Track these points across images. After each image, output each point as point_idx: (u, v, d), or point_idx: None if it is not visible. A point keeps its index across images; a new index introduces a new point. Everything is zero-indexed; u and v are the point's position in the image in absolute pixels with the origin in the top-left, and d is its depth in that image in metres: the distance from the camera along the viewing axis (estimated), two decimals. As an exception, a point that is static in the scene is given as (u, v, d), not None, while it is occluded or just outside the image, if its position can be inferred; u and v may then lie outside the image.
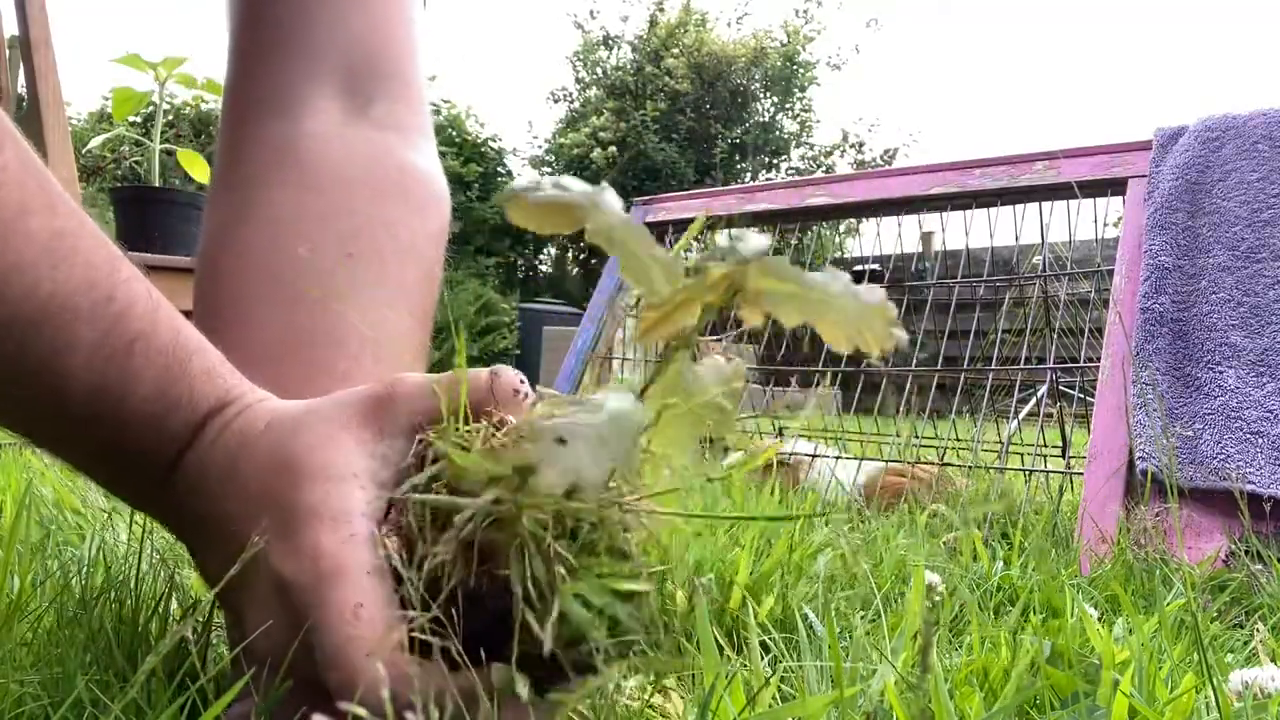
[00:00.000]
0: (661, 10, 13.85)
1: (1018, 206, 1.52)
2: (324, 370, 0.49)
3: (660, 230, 1.95)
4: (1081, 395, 1.88)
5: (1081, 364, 1.69)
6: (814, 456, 1.57)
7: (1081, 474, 1.22)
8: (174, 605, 0.54)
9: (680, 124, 12.99)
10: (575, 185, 0.33)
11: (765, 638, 0.62)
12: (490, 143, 12.74)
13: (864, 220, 1.89)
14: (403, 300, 0.53)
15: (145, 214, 1.54)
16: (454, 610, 0.35)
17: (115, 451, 0.41)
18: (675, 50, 13.31)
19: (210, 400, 0.41)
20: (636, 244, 0.33)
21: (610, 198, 0.33)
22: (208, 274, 0.54)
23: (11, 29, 1.30)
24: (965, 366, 1.68)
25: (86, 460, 0.44)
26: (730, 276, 0.31)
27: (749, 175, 13.35)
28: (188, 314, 0.55)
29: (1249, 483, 1.03)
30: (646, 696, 0.50)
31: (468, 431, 0.37)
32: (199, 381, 0.41)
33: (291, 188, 0.54)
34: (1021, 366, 1.83)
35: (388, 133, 0.57)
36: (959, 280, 1.64)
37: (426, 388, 0.39)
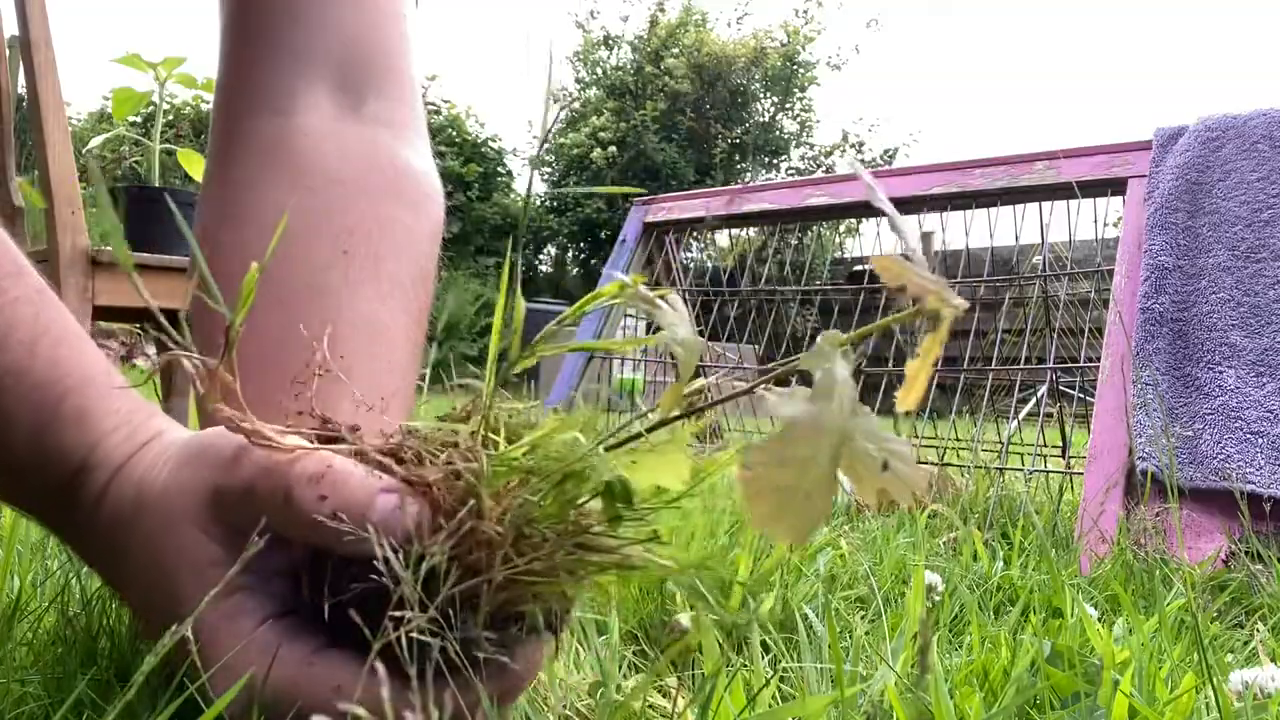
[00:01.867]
0: (662, 10, 13.86)
1: (1018, 206, 1.52)
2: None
3: (660, 230, 1.95)
4: (1081, 395, 1.88)
5: (1081, 364, 1.69)
6: None
7: (1081, 474, 1.22)
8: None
9: (680, 124, 13.00)
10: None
11: (765, 638, 0.62)
12: (490, 143, 12.75)
13: (864, 220, 1.89)
14: (397, 297, 0.53)
15: (145, 214, 1.54)
16: (450, 611, 0.34)
17: (15, 489, 0.39)
18: (675, 50, 13.31)
19: (78, 455, 0.37)
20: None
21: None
22: (200, 275, 0.54)
23: (11, 29, 1.30)
24: (965, 366, 1.68)
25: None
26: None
27: (749, 175, 13.35)
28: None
29: (1249, 483, 1.03)
30: (647, 696, 0.50)
31: None
32: (69, 430, 0.37)
33: (285, 186, 0.54)
34: (1021, 366, 1.83)
35: (381, 130, 0.57)
36: (959, 280, 1.64)
37: (268, 483, 0.33)
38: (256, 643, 0.34)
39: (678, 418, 0.34)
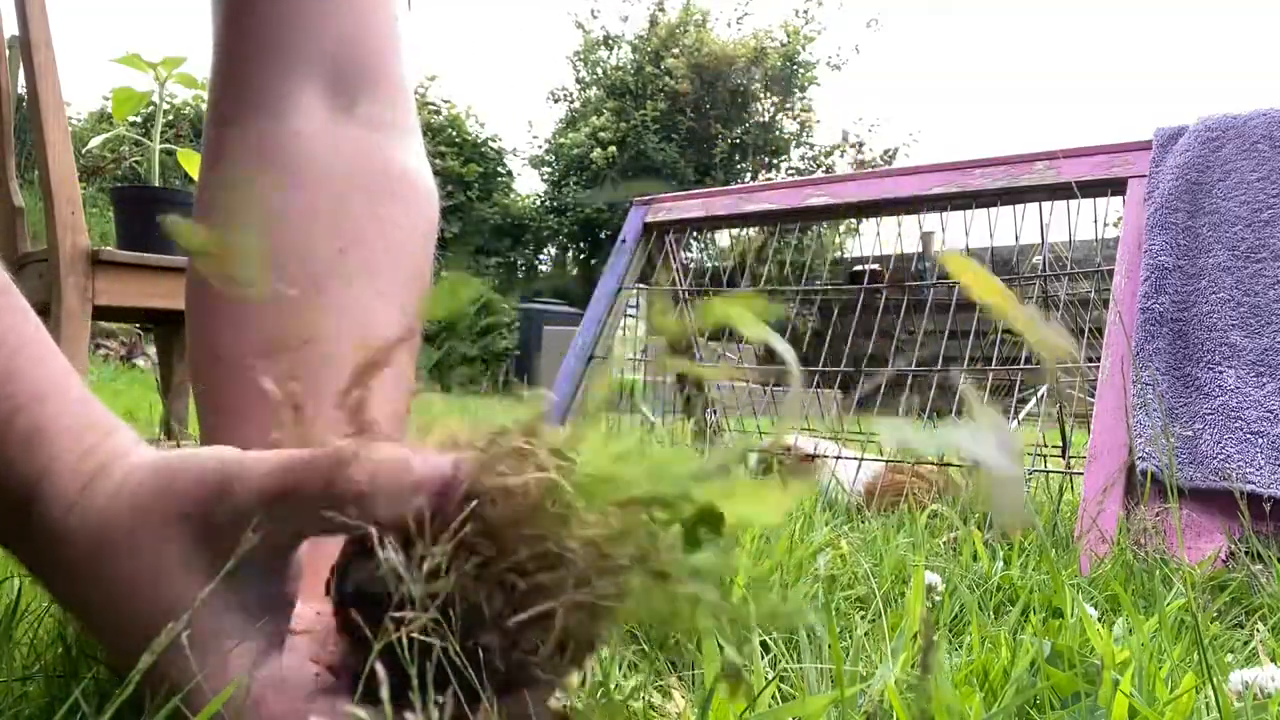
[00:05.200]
0: (661, 10, 13.87)
1: (1018, 206, 1.52)
2: (316, 364, 0.49)
3: (660, 230, 1.95)
4: (1081, 395, 1.88)
5: (1082, 364, 1.69)
6: (837, 457, 1.56)
7: (1081, 474, 1.22)
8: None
9: (680, 124, 13.00)
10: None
11: (765, 638, 0.62)
12: (490, 143, 12.75)
13: (864, 220, 1.89)
14: (393, 296, 0.53)
15: (145, 214, 1.54)
16: (450, 611, 0.34)
17: None
18: (675, 50, 13.32)
19: (26, 483, 0.34)
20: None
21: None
22: (198, 274, 0.54)
23: (11, 29, 1.30)
24: (965, 367, 1.68)
25: None
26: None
27: (749, 175, 13.36)
28: (182, 314, 0.55)
29: (1249, 483, 1.03)
30: (647, 696, 0.50)
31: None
32: (17, 451, 0.34)
33: (279, 187, 0.54)
34: (1022, 366, 1.83)
35: (374, 132, 0.57)
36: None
37: (272, 481, 0.32)
38: (246, 692, 0.32)
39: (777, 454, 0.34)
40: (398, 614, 0.31)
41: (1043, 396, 1.78)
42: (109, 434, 0.37)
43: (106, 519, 0.34)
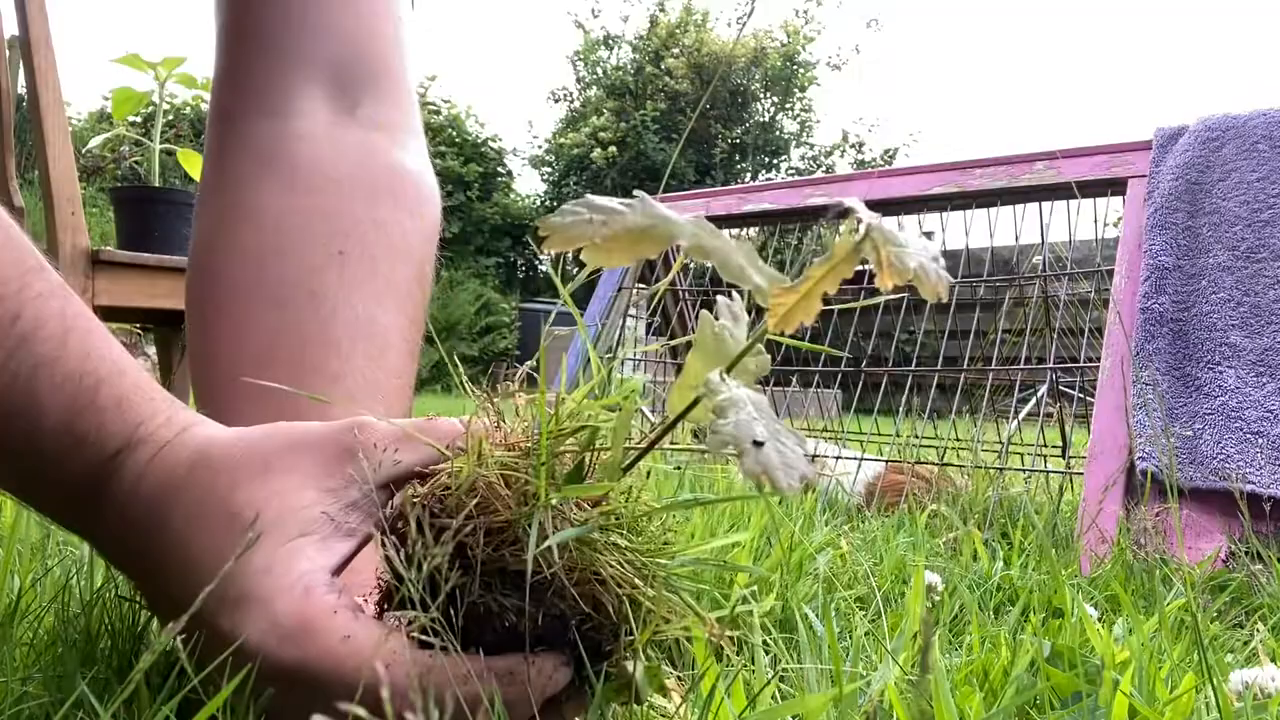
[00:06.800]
0: (662, 10, 13.87)
1: (1018, 206, 1.52)
2: (315, 370, 0.49)
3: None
4: (1081, 395, 1.88)
5: (1081, 364, 1.69)
6: (837, 458, 1.56)
7: (1081, 474, 1.22)
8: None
9: (680, 124, 13.00)
10: (614, 203, 0.32)
11: (765, 638, 0.62)
12: (490, 143, 12.76)
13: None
14: (393, 298, 0.53)
15: (145, 214, 1.54)
16: (452, 610, 0.35)
17: (37, 481, 0.39)
18: (675, 50, 13.32)
19: (120, 437, 0.38)
20: (733, 253, 0.33)
21: (662, 208, 0.33)
22: (198, 276, 0.54)
23: (11, 29, 1.30)
24: (965, 366, 1.68)
25: (15, 489, 0.40)
26: (860, 248, 0.33)
27: (749, 175, 13.35)
28: (181, 314, 0.55)
29: (1249, 483, 1.03)
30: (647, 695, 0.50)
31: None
32: (108, 414, 0.38)
33: (281, 189, 0.54)
34: (1022, 366, 1.83)
35: (376, 133, 0.57)
36: (959, 280, 1.64)
37: (399, 439, 0.38)
38: (314, 589, 0.35)
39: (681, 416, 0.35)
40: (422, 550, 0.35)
41: (1042, 397, 1.78)
42: (180, 408, 0.40)
43: (213, 447, 0.38)
